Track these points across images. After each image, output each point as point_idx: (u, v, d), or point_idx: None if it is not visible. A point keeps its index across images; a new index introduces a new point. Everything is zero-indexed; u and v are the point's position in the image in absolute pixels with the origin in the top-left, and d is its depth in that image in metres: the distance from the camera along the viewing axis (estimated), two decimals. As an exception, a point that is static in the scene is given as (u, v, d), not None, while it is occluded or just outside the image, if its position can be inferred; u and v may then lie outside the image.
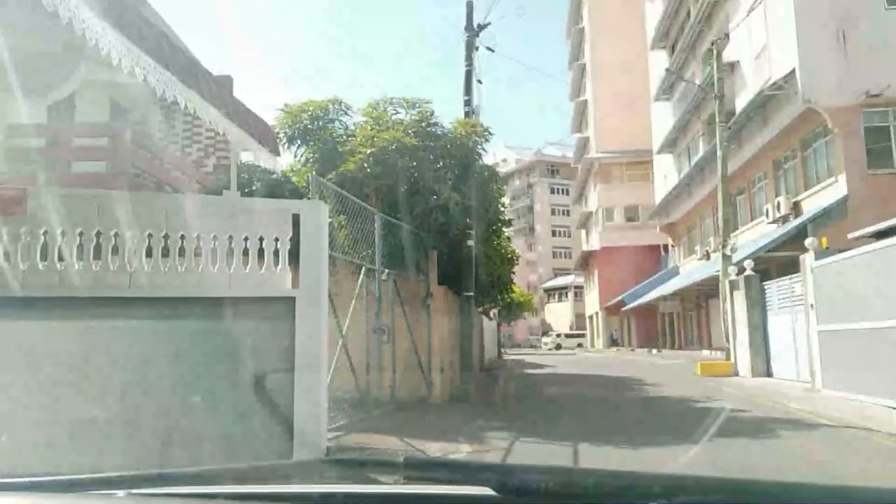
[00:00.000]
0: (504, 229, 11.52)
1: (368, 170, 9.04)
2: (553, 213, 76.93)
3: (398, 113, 10.02)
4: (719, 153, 16.93)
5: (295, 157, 10.07)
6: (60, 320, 5.45)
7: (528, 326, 68.95)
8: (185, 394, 5.68)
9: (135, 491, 1.13)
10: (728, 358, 16.50)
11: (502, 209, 10.78)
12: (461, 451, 6.28)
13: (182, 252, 5.88)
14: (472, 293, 10.42)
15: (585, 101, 54.88)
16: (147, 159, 12.28)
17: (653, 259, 47.06)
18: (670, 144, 38.56)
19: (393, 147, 9.21)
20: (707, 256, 32.54)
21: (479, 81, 10.76)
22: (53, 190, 5.68)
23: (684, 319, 38.63)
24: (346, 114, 10.19)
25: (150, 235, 5.81)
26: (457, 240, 10.30)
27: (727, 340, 16.71)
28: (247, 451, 5.66)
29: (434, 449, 6.44)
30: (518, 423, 8.05)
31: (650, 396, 11.29)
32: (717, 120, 16.98)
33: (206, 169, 14.13)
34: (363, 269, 7.82)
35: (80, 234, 5.62)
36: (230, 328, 5.84)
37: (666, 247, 45.40)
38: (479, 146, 10.20)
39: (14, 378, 5.30)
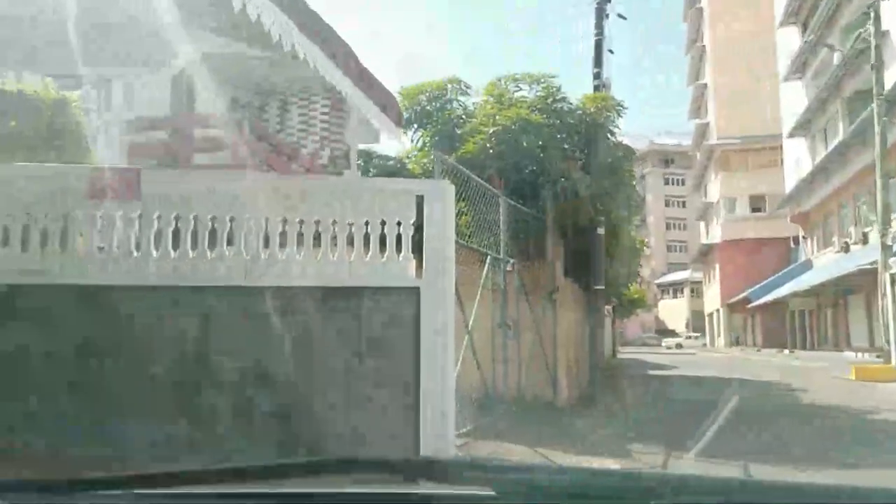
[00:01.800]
0: (634, 217, 10.47)
1: (490, 150, 8.34)
2: (667, 204, 73.33)
3: (520, 90, 9.24)
4: (877, 128, 14.93)
5: (412, 141, 9.55)
6: (175, 310, 5.10)
7: (641, 324, 66.24)
8: (302, 390, 5.21)
9: (136, 491, 1.11)
10: (889, 361, 14.55)
11: (636, 194, 9.74)
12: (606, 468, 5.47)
13: (300, 238, 5.41)
14: (601, 286, 9.49)
15: (704, 84, 51.79)
16: (264, 150, 12.24)
17: (780, 252, 43.84)
18: (803, 127, 35.54)
19: (517, 125, 8.45)
20: (846, 248, 29.70)
21: (611, 52, 9.80)
22: (166, 172, 5.34)
23: (818, 318, 35.46)
24: (464, 93, 9.55)
25: (266, 220, 5.37)
26: (585, 227, 9.39)
27: (886, 342, 14.75)
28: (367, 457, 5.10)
29: (573, 463, 5.64)
30: (663, 434, 7.10)
31: (809, 404, 9.90)
32: (874, 92, 14.99)
33: (321, 161, 14.01)
34: (487, 258, 7.11)
35: (195, 219, 5.25)
36: (349, 320, 5.31)
37: (796, 239, 42.09)
38: (612, 123, 9.25)
39: (131, 371, 5.00)
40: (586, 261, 9.63)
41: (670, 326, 62.59)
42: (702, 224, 55.73)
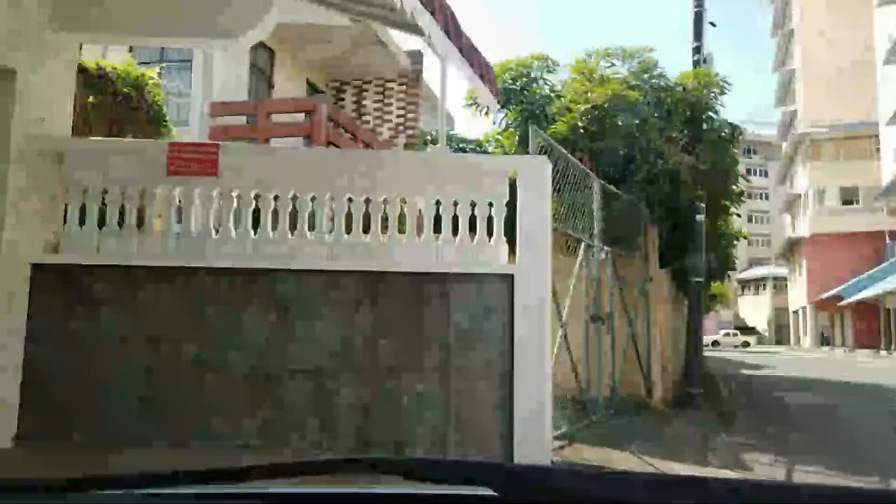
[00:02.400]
0: (735, 203, 9.60)
1: (582, 130, 7.72)
2: (749, 196, 69.84)
3: (612, 66, 8.56)
4: None
5: (494, 123, 9.01)
6: (253, 294, 4.77)
7: (718, 321, 63.60)
8: (385, 383, 4.80)
9: (136, 491, 1.10)
10: None
11: (741, 178, 8.88)
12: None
13: (385, 219, 5.00)
14: (701, 279, 8.71)
15: (792, 70, 48.99)
16: (342, 136, 11.99)
17: (875, 248, 41.05)
18: (905, 112, 32.99)
19: (611, 103, 7.79)
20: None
21: (713, 24, 8.96)
22: (245, 147, 5.01)
23: (921, 318, 32.96)
24: (551, 71, 8.93)
25: (349, 200, 4.97)
26: (683, 213, 8.64)
27: None
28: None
29: (682, 472, 5.01)
30: (774, 441, 6.37)
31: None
32: None
33: (396, 148, 13.66)
34: (581, 245, 6.53)
35: (276, 199, 4.91)
36: (437, 309, 4.86)
37: (893, 233, 39.35)
38: (715, 100, 8.45)
39: (207, 358, 4.71)
40: (683, 250, 8.88)
41: (750, 324, 59.75)
42: (787, 217, 52.92)
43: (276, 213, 4.90)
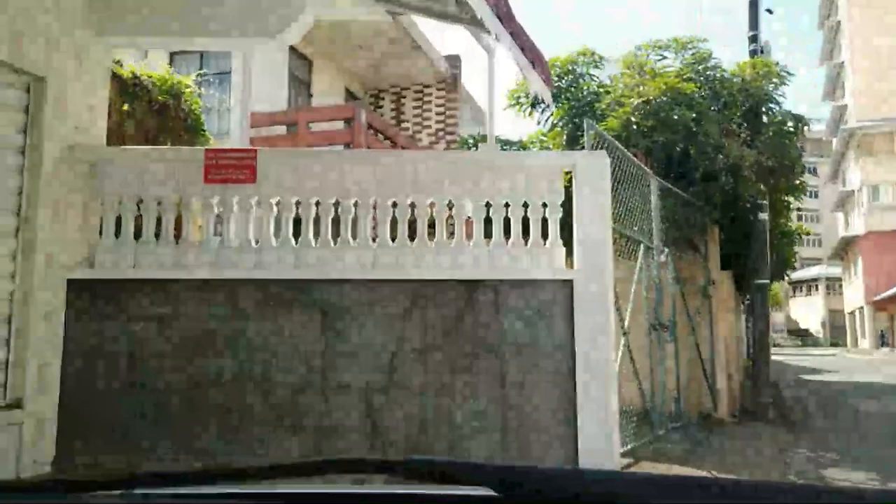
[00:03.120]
0: (797, 199, 9.00)
1: (635, 126, 7.28)
2: (798, 195, 67.71)
3: (664, 58, 8.11)
4: None
5: (538, 124, 8.62)
6: (295, 306, 4.50)
7: (772, 324, 61.56)
8: (435, 399, 4.46)
9: (136, 491, 1.09)
10: None
11: (805, 171, 8.30)
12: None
13: (432, 224, 4.68)
14: (766, 281, 8.16)
15: (841, 63, 47.26)
16: (381, 142, 11.77)
17: (937, 244, 39.18)
18: (967, 101, 31.40)
19: (665, 96, 7.34)
20: None
21: (769, 11, 8.42)
22: (284, 152, 4.75)
23: None
24: (597, 66, 8.51)
25: (394, 205, 4.67)
26: (744, 211, 8.12)
27: None
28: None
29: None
30: (858, 456, 5.81)
31: None
32: None
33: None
34: (640, 247, 6.10)
35: (317, 205, 4.63)
36: (490, 318, 4.51)
37: (955, 228, 37.48)
38: (776, 91, 7.92)
39: (247, 373, 4.45)
40: (743, 250, 8.35)
41: (803, 326, 57.67)
42: (840, 215, 50.99)
43: (317, 219, 4.63)
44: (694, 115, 7.37)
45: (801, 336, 52.72)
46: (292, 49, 12.86)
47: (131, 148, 4.90)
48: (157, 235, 4.55)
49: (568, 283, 4.53)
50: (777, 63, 8.18)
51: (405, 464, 1.11)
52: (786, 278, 14.10)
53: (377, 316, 4.52)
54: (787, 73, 8.11)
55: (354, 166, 4.66)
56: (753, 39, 8.56)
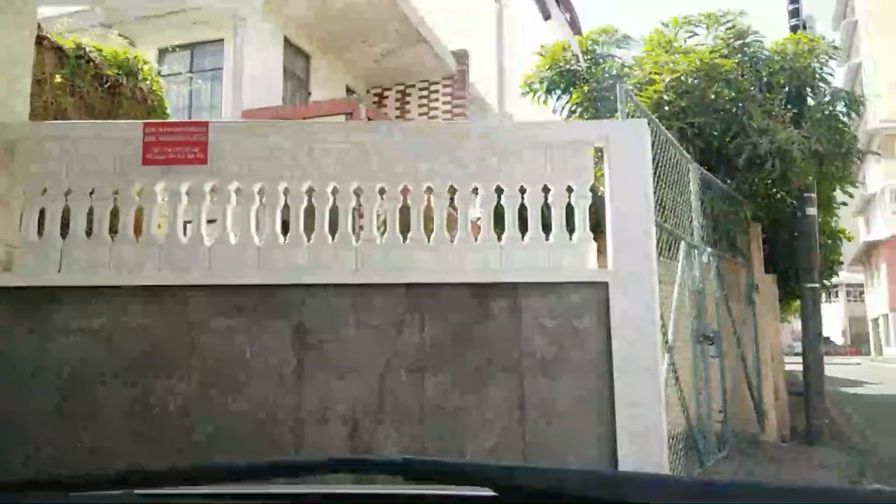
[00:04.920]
0: (849, 191, 8.01)
1: (667, 107, 6.35)
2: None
3: (695, 35, 7.17)
4: None
5: (554, 112, 7.70)
6: (261, 317, 3.59)
7: (791, 331, 60.07)
8: (436, 428, 3.54)
9: (135, 491, 1.08)
10: None
11: (861, 158, 7.31)
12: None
13: (430, 216, 3.77)
14: (816, 284, 7.17)
15: (859, 63, 46.08)
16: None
17: (964, 248, 37.99)
18: None
19: (700, 73, 6.40)
20: None
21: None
22: (243, 124, 3.86)
23: None
24: (620, 46, 7.59)
25: (382, 192, 3.76)
26: (787, 206, 7.15)
27: None
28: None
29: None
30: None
31: None
32: None
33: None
34: (681, 245, 5.16)
35: (286, 192, 3.74)
36: (505, 328, 3.59)
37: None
38: (823, 69, 6.96)
39: (202, 396, 3.55)
40: (788, 250, 7.39)
41: (824, 334, 56.17)
42: (861, 220, 49.69)
43: (286, 210, 3.73)
44: (733, 93, 6.43)
45: (824, 344, 51.01)
46: (288, 43, 12.06)
47: (56, 123, 4.04)
48: (89, 232, 3.66)
49: (601, 286, 3.60)
50: (823, 38, 7.22)
51: (405, 464, 1.09)
52: (827, 282, 12.99)
53: (364, 328, 3.60)
54: (835, 48, 7.15)
55: (334, 143, 3.75)
56: (795, 14, 7.61)
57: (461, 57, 13.81)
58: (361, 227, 3.76)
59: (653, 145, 4.75)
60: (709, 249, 5.68)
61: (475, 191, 3.77)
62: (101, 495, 1.11)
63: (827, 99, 6.92)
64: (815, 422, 6.72)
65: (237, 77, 10.71)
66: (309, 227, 3.72)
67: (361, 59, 13.28)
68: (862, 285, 52.26)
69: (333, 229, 3.72)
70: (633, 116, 4.30)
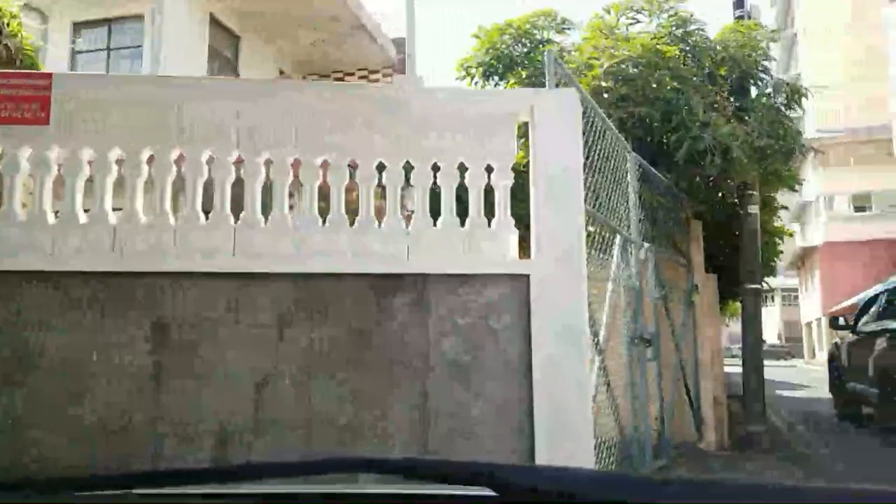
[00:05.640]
0: (793, 189, 7.81)
1: (606, 94, 5.94)
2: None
3: (637, 22, 6.82)
4: None
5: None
6: (113, 312, 2.97)
7: (728, 334, 61.57)
8: (325, 443, 2.99)
9: (135, 491, 1.08)
10: None
11: (802, 152, 7.06)
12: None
13: (323, 196, 3.21)
14: (758, 285, 6.90)
15: (798, 74, 47.57)
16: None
17: (890, 255, 39.51)
18: (924, 112, 31.55)
19: (641, 60, 6.03)
20: (984, 248, 25.84)
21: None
22: (102, 78, 3.23)
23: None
24: (560, 31, 7.19)
25: (268, 164, 3.19)
26: (732, 202, 6.86)
27: None
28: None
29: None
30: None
31: None
32: None
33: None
34: (617, 240, 4.74)
35: (150, 161, 3.12)
36: (409, 328, 3.07)
37: (911, 239, 37.69)
38: (766, 58, 6.69)
39: (30, 408, 2.90)
40: (732, 248, 7.11)
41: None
42: (797, 226, 51.27)
43: (149, 185, 3.11)
44: (675, 83, 6.08)
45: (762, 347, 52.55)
46: (216, 22, 11.30)
47: None
48: None
49: (522, 279, 3.11)
50: (765, 27, 6.97)
51: (405, 464, 1.14)
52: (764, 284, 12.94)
53: (241, 326, 3.02)
54: (774, 39, 6.89)
55: (209, 102, 3.16)
56: (739, 4, 7.35)
57: (402, 45, 13.26)
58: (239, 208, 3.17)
59: (588, 129, 4.33)
60: (647, 245, 5.29)
61: (383, 167, 3.24)
62: (101, 495, 1.09)
63: (769, 90, 6.65)
64: (754, 429, 6.43)
65: (156, 55, 9.92)
66: (176, 205, 3.12)
67: (296, 43, 12.59)
68: (797, 290, 53.95)
69: (207, 207, 3.12)
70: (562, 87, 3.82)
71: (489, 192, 3.30)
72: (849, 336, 8.95)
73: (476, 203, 3.25)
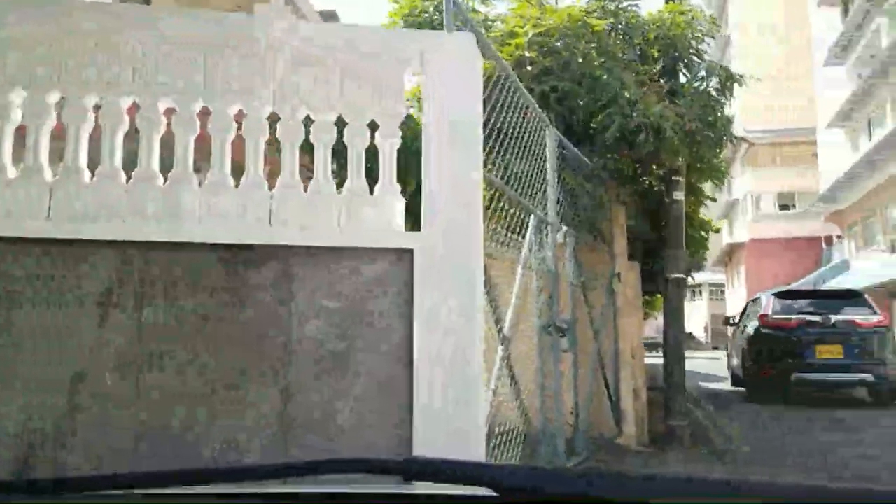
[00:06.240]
0: (719, 181, 7.61)
1: (530, 65, 5.52)
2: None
3: (565, -3, 6.42)
4: None
5: (413, 75, 6.71)
6: None
7: (657, 327, 63.16)
8: (164, 453, 2.45)
9: (135, 491, 1.10)
10: None
11: (732, 140, 6.85)
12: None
13: (169, 149, 2.64)
14: (682, 275, 6.63)
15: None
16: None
17: (814, 253, 41.21)
18: (843, 118, 32.87)
19: (568, 31, 5.63)
20: (893, 248, 27.13)
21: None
22: None
23: (859, 324, 32.48)
24: (484, 2, 6.73)
25: (97, 109, 2.60)
26: (657, 188, 6.57)
27: None
28: None
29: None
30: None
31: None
32: None
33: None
34: (531, 220, 4.32)
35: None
36: (268, 311, 2.55)
37: (829, 239, 39.35)
38: (701, 41, 6.40)
39: None
40: (657, 237, 6.84)
41: (688, 330, 59.69)
42: (725, 223, 52.90)
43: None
44: (603, 59, 5.71)
45: (687, 340, 54.47)
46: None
47: None
48: None
49: (405, 255, 2.63)
50: (701, 10, 6.69)
51: (405, 464, 1.11)
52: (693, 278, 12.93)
53: (51, 307, 2.43)
54: (715, 24, 6.63)
55: (12, 28, 2.53)
56: (674, -9, 7.05)
57: (330, 19, 12.60)
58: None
59: (502, 95, 3.89)
60: (565, 228, 4.90)
61: (242, 115, 2.68)
62: (101, 495, 1.09)
63: (702, 74, 6.38)
64: (675, 424, 6.18)
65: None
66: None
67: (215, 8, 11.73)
68: (723, 285, 55.74)
69: (16, 159, 2.51)
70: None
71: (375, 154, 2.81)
72: (733, 331, 13.54)
73: (356, 164, 2.74)
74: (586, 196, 5.84)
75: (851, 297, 10.97)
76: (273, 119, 2.70)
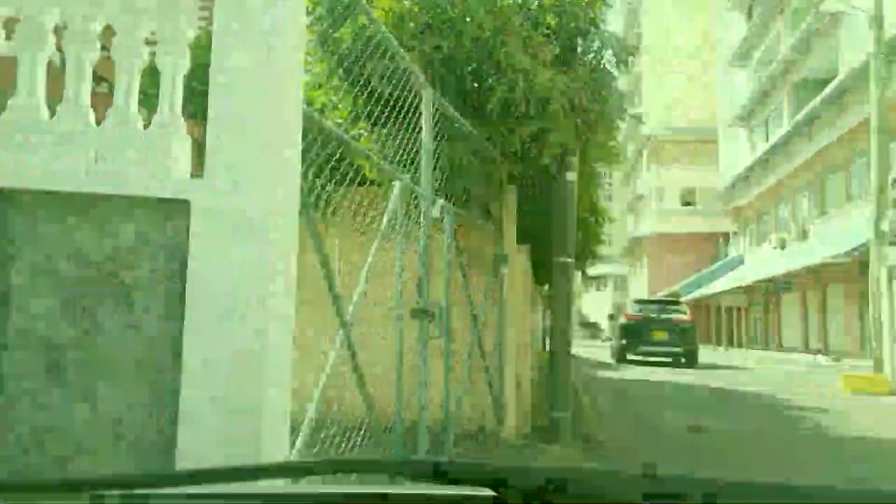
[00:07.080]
0: (616, 159, 7.31)
1: (412, 23, 4.95)
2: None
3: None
4: (875, 92, 12.33)
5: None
6: None
7: (580, 315, 64.64)
8: None
9: (135, 491, 1.07)
10: (880, 370, 12.15)
11: (625, 118, 6.52)
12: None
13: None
14: (570, 259, 6.26)
15: (639, 73, 50.17)
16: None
17: (710, 248, 43.18)
18: (745, 117, 34.38)
19: (458, -10, 5.10)
20: (783, 245, 28.60)
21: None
22: None
23: (747, 316, 34.27)
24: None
25: None
26: (548, 167, 6.15)
27: (877, 346, 12.33)
28: None
29: None
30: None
31: (840, 432, 7.03)
32: (876, 49, 12.40)
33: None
34: (396, 186, 3.76)
35: None
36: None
37: (726, 234, 41.30)
38: (596, 13, 6.01)
39: None
40: (547, 219, 6.45)
41: (592, 319, 61.56)
42: (630, 217, 54.60)
43: None
44: (494, 22, 5.21)
45: (591, 329, 56.30)
46: None
47: None
48: None
49: (181, 207, 2.01)
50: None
51: (405, 464, 1.16)
52: (585, 271, 12.87)
53: None
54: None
55: None
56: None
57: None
58: None
59: (361, 39, 3.31)
60: (442, 202, 4.37)
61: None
62: (100, 495, 1.04)
63: (596, 45, 5.99)
64: (557, 415, 5.83)
65: None
66: None
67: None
68: (627, 277, 57.67)
69: None
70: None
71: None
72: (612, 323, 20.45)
73: (124, 88, 2.09)
74: (472, 171, 5.34)
75: (676, 304, 19.99)
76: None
